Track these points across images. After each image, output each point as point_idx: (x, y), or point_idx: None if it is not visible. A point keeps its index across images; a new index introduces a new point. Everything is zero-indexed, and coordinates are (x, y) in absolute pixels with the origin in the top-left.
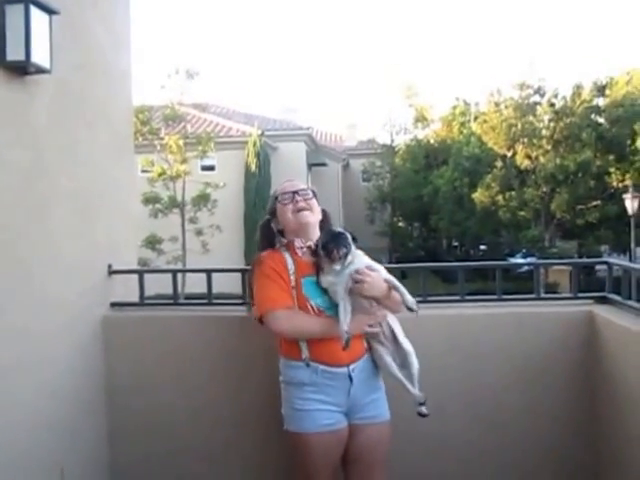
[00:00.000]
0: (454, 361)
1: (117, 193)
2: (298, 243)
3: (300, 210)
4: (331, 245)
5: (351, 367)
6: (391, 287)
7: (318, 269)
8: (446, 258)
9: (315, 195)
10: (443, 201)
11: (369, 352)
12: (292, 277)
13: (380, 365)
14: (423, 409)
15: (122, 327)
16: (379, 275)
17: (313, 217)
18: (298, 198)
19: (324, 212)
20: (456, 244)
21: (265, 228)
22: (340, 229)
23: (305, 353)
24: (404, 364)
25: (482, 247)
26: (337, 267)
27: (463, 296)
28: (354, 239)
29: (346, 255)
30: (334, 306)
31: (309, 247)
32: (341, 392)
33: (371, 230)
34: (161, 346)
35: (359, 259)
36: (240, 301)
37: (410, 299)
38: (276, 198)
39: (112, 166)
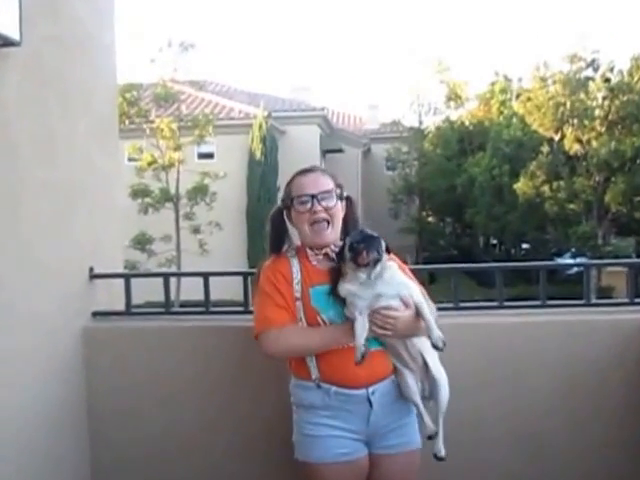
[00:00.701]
0: (490, 379)
1: (100, 185)
2: (311, 252)
3: (318, 222)
4: (361, 246)
5: (371, 389)
6: (419, 315)
7: (337, 275)
8: (483, 258)
9: (341, 192)
10: (480, 192)
11: (395, 374)
12: (297, 287)
13: (402, 389)
14: (441, 450)
15: (106, 340)
16: (407, 316)
17: (333, 234)
18: (318, 207)
19: (349, 200)
20: (494, 242)
21: (276, 220)
22: (375, 233)
23: (315, 372)
24: (432, 394)
25: (525, 246)
26: (362, 275)
27: (501, 302)
28: (388, 250)
29: (376, 262)
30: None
31: (326, 255)
32: (359, 418)
33: (395, 226)
34: (151, 362)
35: (390, 273)
36: (243, 309)
37: (437, 335)
38: (292, 199)
39: (94, 153)
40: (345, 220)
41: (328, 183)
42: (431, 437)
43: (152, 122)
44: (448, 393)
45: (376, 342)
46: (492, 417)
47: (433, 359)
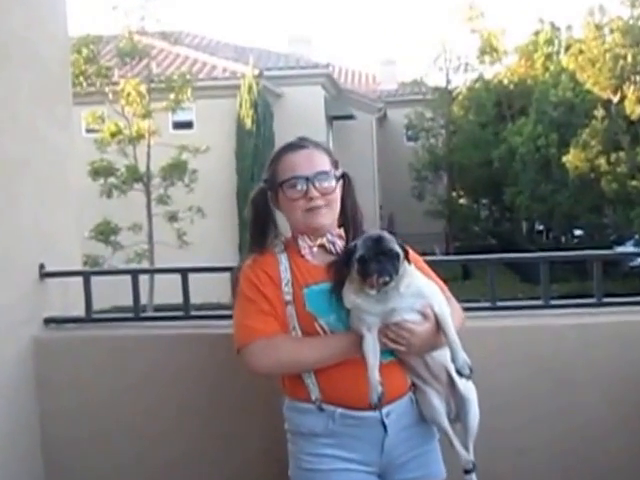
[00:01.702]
0: (534, 393)
1: (49, 162)
2: (303, 242)
3: (314, 209)
4: (372, 267)
5: (385, 410)
6: (440, 330)
7: (338, 270)
8: (526, 248)
9: (336, 169)
10: (521, 167)
11: (413, 391)
12: (287, 288)
13: (424, 410)
14: (473, 478)
15: (61, 353)
16: (425, 329)
17: (331, 215)
18: (314, 192)
19: (345, 177)
20: (540, 228)
21: (259, 204)
22: (386, 235)
23: (315, 392)
24: (459, 415)
25: (577, 232)
26: (372, 292)
27: (548, 300)
28: (407, 257)
29: (387, 283)
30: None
31: (321, 246)
32: (371, 445)
33: (420, 209)
34: (117, 379)
35: (407, 282)
36: (231, 313)
37: (462, 359)
38: (280, 183)
39: (40, 123)
40: (343, 202)
41: (324, 161)
42: (469, 471)
43: (116, 84)
44: (478, 413)
45: (389, 353)
46: (537, 440)
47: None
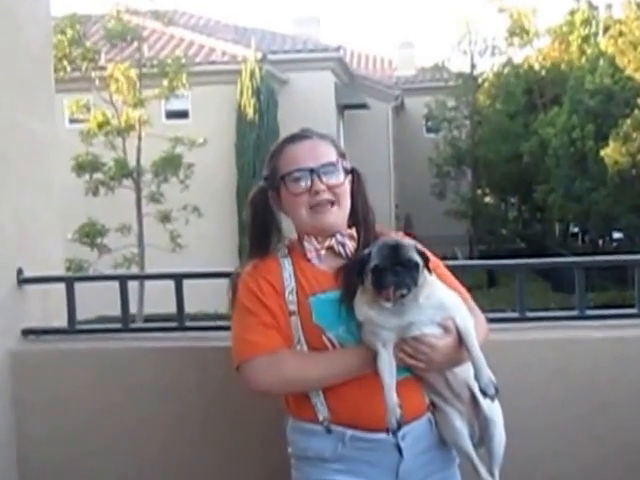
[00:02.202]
0: (568, 413)
1: (29, 155)
2: (309, 245)
3: (321, 205)
4: (388, 279)
5: (400, 433)
6: (462, 344)
7: (348, 276)
8: (559, 252)
9: (344, 163)
10: (554, 162)
11: (432, 411)
12: (291, 297)
13: (445, 433)
14: None
15: (41, 368)
16: (446, 344)
17: (341, 213)
18: (320, 186)
19: (354, 174)
20: (575, 230)
21: (259, 204)
22: (404, 242)
23: (323, 412)
24: (483, 438)
25: (617, 235)
26: (388, 305)
27: (583, 310)
28: (424, 258)
29: (405, 296)
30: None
31: (330, 248)
32: (385, 472)
33: (440, 208)
34: (102, 396)
35: (426, 293)
36: (229, 324)
37: (487, 377)
38: (282, 177)
39: (19, 112)
40: (353, 200)
41: (330, 152)
42: None
43: (103, 69)
44: (505, 436)
45: (405, 369)
46: (571, 468)
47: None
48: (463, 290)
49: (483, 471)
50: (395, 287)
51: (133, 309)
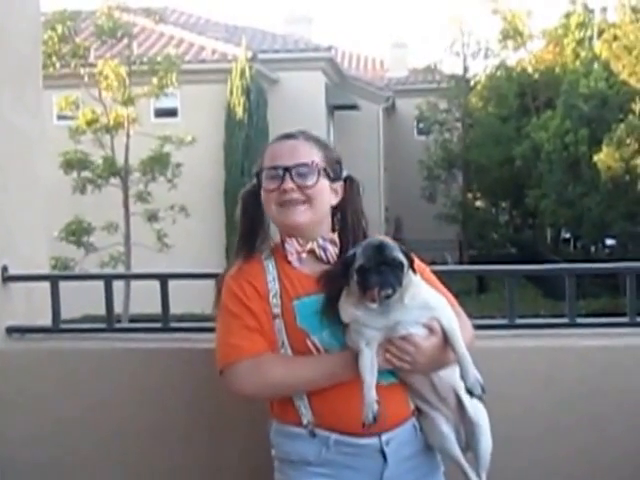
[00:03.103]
0: (557, 423)
1: (16, 151)
2: (290, 247)
3: (288, 204)
4: (373, 279)
5: (384, 438)
6: (447, 346)
7: (331, 280)
8: (551, 258)
9: (335, 169)
10: (547, 167)
11: (417, 417)
12: (275, 300)
13: (431, 438)
14: None
15: (24, 366)
16: (432, 344)
17: (311, 214)
18: (288, 184)
19: (349, 181)
20: (567, 236)
21: (250, 202)
22: (389, 242)
23: (307, 416)
24: (469, 443)
25: (609, 242)
26: (373, 306)
27: (573, 318)
28: (412, 266)
29: (390, 296)
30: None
31: (311, 251)
32: (369, 477)
33: (431, 212)
34: (86, 395)
35: (412, 293)
36: (214, 325)
37: (474, 377)
38: (257, 174)
39: (6, 108)
40: (343, 208)
41: (310, 154)
42: None
43: (93, 65)
44: (491, 441)
45: (390, 373)
46: (560, 478)
47: (468, 396)
48: (450, 295)
49: (472, 475)
50: (380, 287)
51: (118, 309)
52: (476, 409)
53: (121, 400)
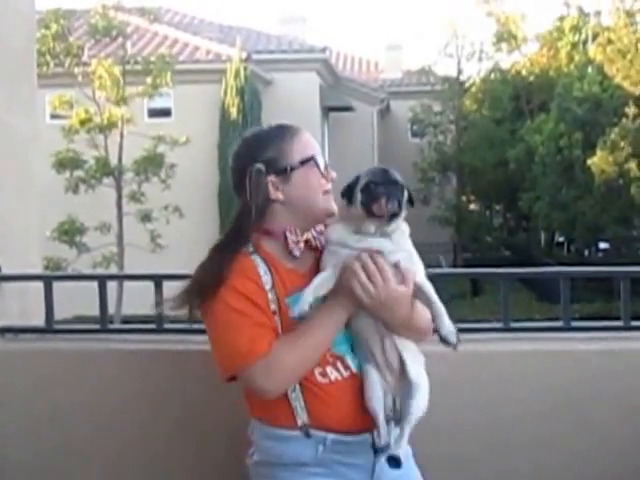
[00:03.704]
0: (552, 428)
1: (10, 150)
2: (294, 237)
3: (328, 192)
4: (381, 190)
5: (375, 432)
6: (418, 296)
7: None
8: (544, 261)
9: None
10: (541, 170)
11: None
12: (270, 295)
13: (366, 396)
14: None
15: (18, 366)
16: (399, 290)
17: None
18: (333, 173)
19: None
20: (561, 240)
21: (258, 186)
22: (399, 176)
23: (302, 417)
24: (403, 403)
25: (603, 245)
26: (370, 227)
27: (568, 322)
28: (411, 201)
29: (392, 217)
30: (348, 342)
31: (307, 242)
32: (362, 473)
33: (424, 214)
34: (79, 396)
35: (399, 236)
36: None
37: (448, 325)
38: (307, 160)
39: (1, 107)
40: None
41: None
42: (378, 450)
43: (87, 64)
44: (425, 405)
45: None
46: None
47: (414, 359)
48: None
49: (384, 429)
50: (387, 199)
51: (111, 309)
52: (419, 373)
53: (115, 401)
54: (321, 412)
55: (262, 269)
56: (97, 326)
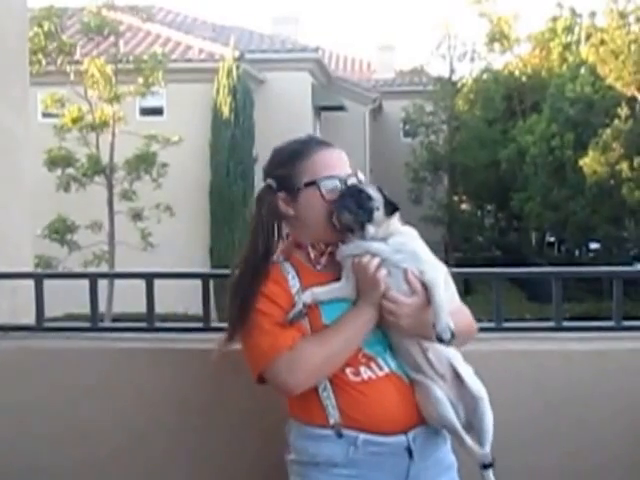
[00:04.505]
0: (543, 427)
1: (2, 148)
2: (315, 251)
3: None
4: (334, 206)
5: (411, 435)
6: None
7: None
8: (535, 261)
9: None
10: (532, 170)
11: (413, 390)
12: (297, 298)
13: (429, 409)
14: (491, 476)
15: (8, 365)
16: (415, 302)
17: None
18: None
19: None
20: (552, 240)
21: (267, 203)
22: (360, 185)
23: (334, 416)
24: (472, 419)
25: (594, 245)
26: (366, 237)
27: (560, 321)
28: (389, 203)
29: (362, 225)
30: (383, 343)
31: (331, 254)
32: (395, 474)
33: (416, 214)
34: (69, 394)
35: (399, 240)
36: (202, 325)
37: (445, 322)
38: (313, 182)
39: None
40: None
41: (348, 164)
42: (487, 466)
43: (79, 63)
44: (491, 413)
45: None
46: None
47: (467, 371)
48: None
49: (469, 440)
50: (337, 213)
51: (101, 308)
52: (475, 383)
53: (105, 400)
54: (353, 410)
55: (290, 274)
56: (87, 324)
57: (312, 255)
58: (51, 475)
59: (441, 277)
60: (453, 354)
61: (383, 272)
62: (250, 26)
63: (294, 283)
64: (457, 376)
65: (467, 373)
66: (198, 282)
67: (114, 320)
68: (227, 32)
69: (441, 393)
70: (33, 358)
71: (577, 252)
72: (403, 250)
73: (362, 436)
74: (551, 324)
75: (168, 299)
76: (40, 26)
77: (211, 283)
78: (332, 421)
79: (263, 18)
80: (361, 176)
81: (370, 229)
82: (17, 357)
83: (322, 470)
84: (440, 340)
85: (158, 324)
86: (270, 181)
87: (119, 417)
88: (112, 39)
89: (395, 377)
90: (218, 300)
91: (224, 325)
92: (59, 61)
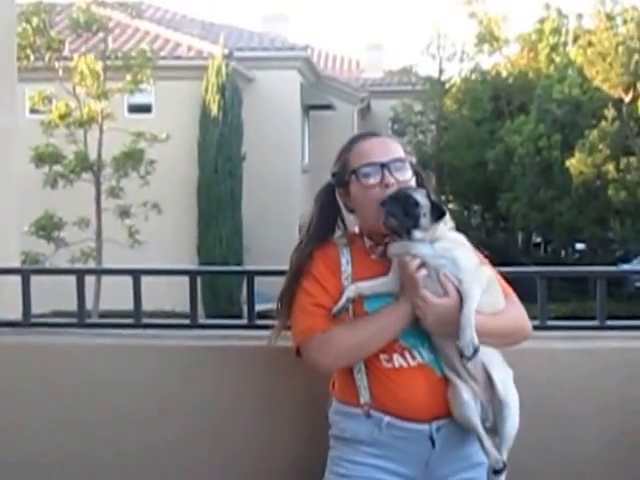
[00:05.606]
0: (525, 424)
1: None
2: (370, 242)
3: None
4: (389, 217)
5: (435, 424)
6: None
7: None
8: (521, 261)
9: (412, 162)
10: (520, 171)
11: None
12: (346, 283)
13: (455, 407)
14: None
15: None
16: (443, 305)
17: None
18: (390, 179)
19: (418, 176)
20: (538, 240)
21: (325, 201)
22: (407, 190)
23: (365, 396)
24: (496, 421)
25: (579, 246)
26: (414, 238)
27: (544, 320)
28: (437, 208)
29: (409, 231)
30: (421, 337)
31: (386, 244)
32: (415, 461)
33: None
34: (56, 390)
35: (444, 245)
36: (189, 322)
37: (469, 337)
38: (353, 171)
39: None
40: None
41: (399, 149)
42: (498, 471)
43: (68, 59)
44: (517, 424)
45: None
46: None
47: (501, 375)
48: (506, 285)
49: (488, 443)
50: (385, 217)
51: (89, 305)
52: (507, 389)
53: (91, 396)
54: (382, 394)
55: (345, 259)
56: (74, 320)
57: (367, 245)
58: (39, 470)
59: (477, 290)
60: (490, 357)
61: (423, 272)
62: (239, 24)
63: (346, 268)
64: (490, 380)
65: (499, 378)
66: (185, 279)
67: (101, 317)
68: (216, 30)
69: (468, 396)
70: (20, 354)
71: (563, 253)
72: (446, 256)
73: (387, 419)
74: (536, 323)
75: (155, 296)
76: (28, 22)
77: (198, 280)
78: (362, 401)
79: (252, 16)
80: (411, 159)
81: (416, 234)
82: (3, 353)
83: (349, 444)
84: (461, 355)
85: (145, 320)
86: (330, 179)
87: (106, 412)
88: (101, 35)
89: (427, 368)
90: (205, 297)
91: (211, 322)
92: (47, 57)
